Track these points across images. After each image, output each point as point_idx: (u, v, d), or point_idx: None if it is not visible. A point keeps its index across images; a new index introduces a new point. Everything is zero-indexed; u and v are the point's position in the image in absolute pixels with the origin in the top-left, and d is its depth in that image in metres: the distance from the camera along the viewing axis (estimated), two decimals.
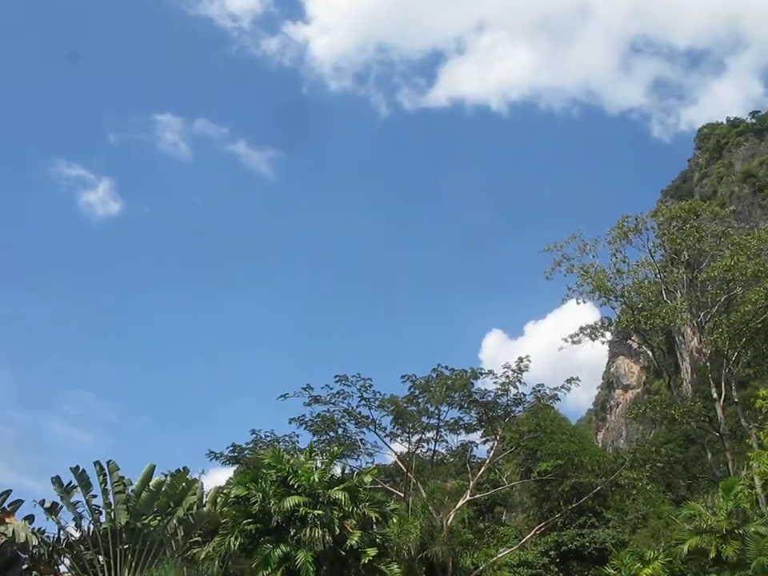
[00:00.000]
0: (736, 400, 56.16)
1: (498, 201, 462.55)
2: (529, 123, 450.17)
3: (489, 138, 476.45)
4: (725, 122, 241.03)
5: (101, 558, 39.92)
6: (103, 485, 40.92)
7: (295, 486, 30.65)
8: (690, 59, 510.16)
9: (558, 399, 50.12)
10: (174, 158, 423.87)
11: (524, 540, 60.16)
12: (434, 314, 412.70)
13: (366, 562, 29.67)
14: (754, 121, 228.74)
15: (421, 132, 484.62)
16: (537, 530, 58.46)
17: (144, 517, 40.14)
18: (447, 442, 51.81)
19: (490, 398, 47.56)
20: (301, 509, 29.41)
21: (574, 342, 59.23)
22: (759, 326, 55.45)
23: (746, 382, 75.35)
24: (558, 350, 61.49)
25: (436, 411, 47.38)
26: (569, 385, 48.92)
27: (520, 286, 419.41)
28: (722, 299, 56.59)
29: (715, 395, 55.39)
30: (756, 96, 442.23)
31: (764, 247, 57.01)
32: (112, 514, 40.49)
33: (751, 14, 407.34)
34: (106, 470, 40.89)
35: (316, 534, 28.88)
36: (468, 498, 48.86)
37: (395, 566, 31.25)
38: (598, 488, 54.33)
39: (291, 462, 32.66)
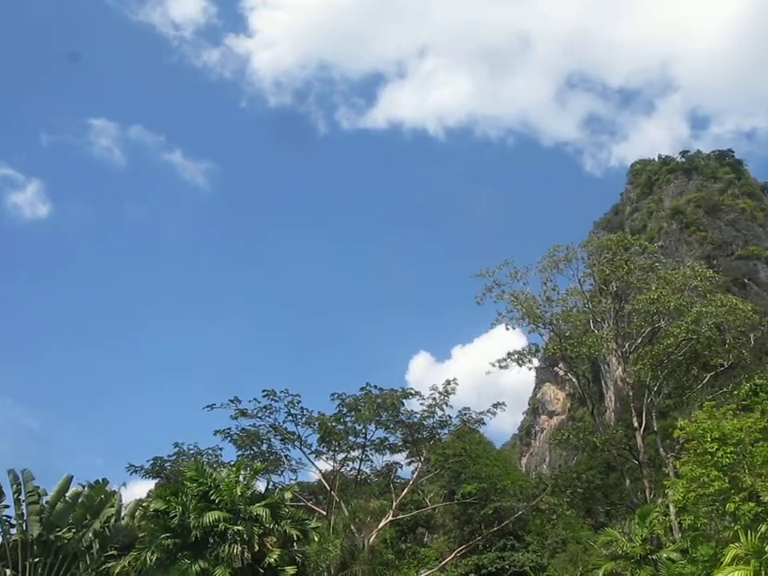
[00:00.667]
0: (656, 429, 57.44)
1: (431, 225, 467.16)
2: (465, 149, 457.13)
3: (425, 161, 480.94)
4: (656, 159, 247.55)
5: (8, 571, 38.33)
6: (16, 495, 39.27)
7: (216, 501, 30.25)
8: (622, 97, 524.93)
9: (484, 423, 50.67)
10: (108, 164, 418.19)
11: (444, 562, 60.41)
12: (363, 334, 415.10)
13: None
14: (683, 160, 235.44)
15: (358, 152, 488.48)
16: (458, 552, 58.77)
17: (58, 529, 38.67)
18: (372, 462, 51.82)
19: (416, 420, 47.76)
20: (221, 524, 29.08)
21: (501, 367, 59.87)
22: (680, 358, 57.02)
23: (667, 412, 77.04)
24: (486, 374, 62.07)
25: (363, 430, 47.42)
26: (495, 409, 49.49)
27: (449, 310, 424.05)
28: (647, 331, 58.02)
29: (636, 424, 56.61)
30: (683, 137, 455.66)
31: (688, 282, 58.70)
32: (24, 525, 39.12)
33: (682, 60, 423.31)
34: (21, 480, 39.23)
35: (235, 551, 28.58)
36: (390, 518, 48.90)
37: None
38: (520, 512, 55.03)
39: (213, 476, 32.21)
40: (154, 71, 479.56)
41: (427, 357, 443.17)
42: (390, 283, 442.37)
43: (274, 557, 29.37)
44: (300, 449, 47.89)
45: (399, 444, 50.30)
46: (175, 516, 29.78)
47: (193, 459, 44.45)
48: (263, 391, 45.57)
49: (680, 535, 43.74)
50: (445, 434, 50.59)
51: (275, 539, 30.52)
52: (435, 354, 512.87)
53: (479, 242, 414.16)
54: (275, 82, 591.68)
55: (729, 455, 34.43)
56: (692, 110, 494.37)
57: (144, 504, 42.50)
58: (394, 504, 49.26)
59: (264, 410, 45.86)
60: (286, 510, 32.84)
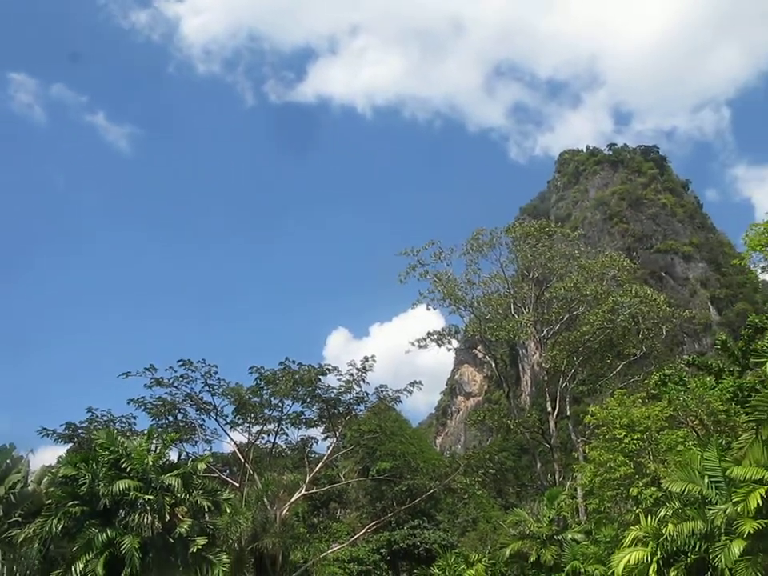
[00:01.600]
0: (568, 414, 58.76)
1: (356, 202, 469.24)
2: (392, 129, 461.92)
3: (352, 139, 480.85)
4: (585, 150, 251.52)
5: None
6: None
7: (127, 470, 29.75)
8: (549, 89, 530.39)
9: (400, 401, 50.94)
10: (27, 121, 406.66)
11: (356, 537, 60.85)
12: (284, 308, 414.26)
13: (195, 550, 29.18)
14: (610, 153, 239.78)
15: (285, 125, 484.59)
16: (369, 528, 59.24)
17: None
18: (288, 436, 51.62)
19: (333, 395, 47.80)
20: (131, 493, 28.62)
21: (420, 347, 60.42)
22: (596, 346, 58.31)
23: (580, 398, 78.72)
24: (405, 353, 62.59)
25: (279, 404, 47.27)
26: (412, 388, 49.78)
27: (369, 288, 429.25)
28: (565, 318, 59.17)
29: (550, 409, 57.84)
30: (607, 131, 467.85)
31: (606, 271, 59.96)
32: None
33: (609, 57, 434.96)
34: None
35: (145, 520, 28.16)
36: (304, 492, 48.96)
37: (224, 556, 30.93)
38: (432, 491, 55.63)
39: (125, 444, 31.66)
40: (78, 28, 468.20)
41: (345, 333, 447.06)
42: (311, 258, 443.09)
43: (185, 527, 29.07)
44: (215, 419, 47.49)
45: (315, 419, 50.23)
46: (84, 483, 29.16)
47: (106, 426, 43.66)
48: (179, 361, 44.94)
49: (585, 517, 45.00)
50: (361, 410, 50.87)
51: (186, 510, 30.20)
52: (353, 330, 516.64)
53: (404, 221, 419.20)
54: (204, 50, 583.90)
55: (636, 442, 35.52)
56: (616, 106, 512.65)
57: (53, 470, 41.56)
58: (308, 478, 49.31)
59: (180, 379, 45.27)
60: (199, 481, 32.54)
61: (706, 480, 22.13)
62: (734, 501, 20.38)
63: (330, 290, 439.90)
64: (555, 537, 38.35)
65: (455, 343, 65.85)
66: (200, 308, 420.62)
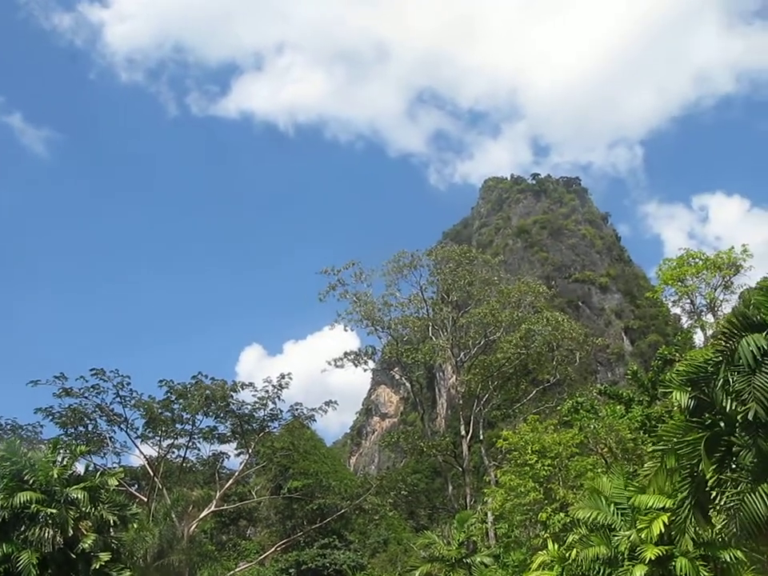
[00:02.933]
0: (482, 439, 59.28)
1: (273, 219, 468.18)
2: (314, 148, 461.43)
3: (273, 155, 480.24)
4: (509, 178, 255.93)
5: None
6: None
7: (30, 482, 28.81)
8: (470, 118, 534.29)
9: (315, 420, 50.73)
10: None
11: (264, 555, 60.16)
12: (197, 323, 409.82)
13: (98, 566, 28.24)
14: (534, 182, 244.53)
15: (206, 139, 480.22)
16: (278, 547, 58.64)
17: None
18: (199, 450, 50.80)
19: (247, 411, 47.28)
20: (33, 506, 27.60)
21: (337, 366, 60.35)
22: (511, 371, 59.09)
23: (495, 422, 79.67)
24: (321, 372, 62.48)
25: (191, 419, 46.51)
26: (327, 407, 49.62)
27: (285, 305, 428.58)
28: (482, 342, 59.80)
29: (463, 432, 58.27)
30: (525, 162, 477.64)
31: (523, 297, 60.93)
32: None
33: (529, 91, 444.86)
34: None
35: (46, 534, 27.15)
36: (213, 508, 48.23)
37: (128, 573, 30.12)
38: (343, 510, 55.37)
39: (29, 455, 30.69)
40: None
41: (259, 349, 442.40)
42: (227, 273, 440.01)
43: (88, 542, 28.19)
44: (126, 432, 46.41)
45: (228, 434, 49.57)
46: None
47: (9, 436, 42.28)
48: (91, 370, 43.85)
49: (495, 541, 45.37)
50: (275, 427, 50.37)
51: (91, 524, 29.35)
52: (267, 347, 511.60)
53: (323, 240, 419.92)
54: (128, 58, 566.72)
55: (546, 467, 36.05)
56: (535, 138, 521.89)
57: None
58: (218, 494, 48.61)
59: (91, 389, 44.16)
60: (106, 495, 31.70)
61: (612, 507, 22.57)
62: (638, 528, 20.84)
63: (246, 306, 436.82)
64: (464, 560, 38.47)
65: (372, 364, 66.01)
66: (114, 316, 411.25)
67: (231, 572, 51.33)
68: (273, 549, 58.87)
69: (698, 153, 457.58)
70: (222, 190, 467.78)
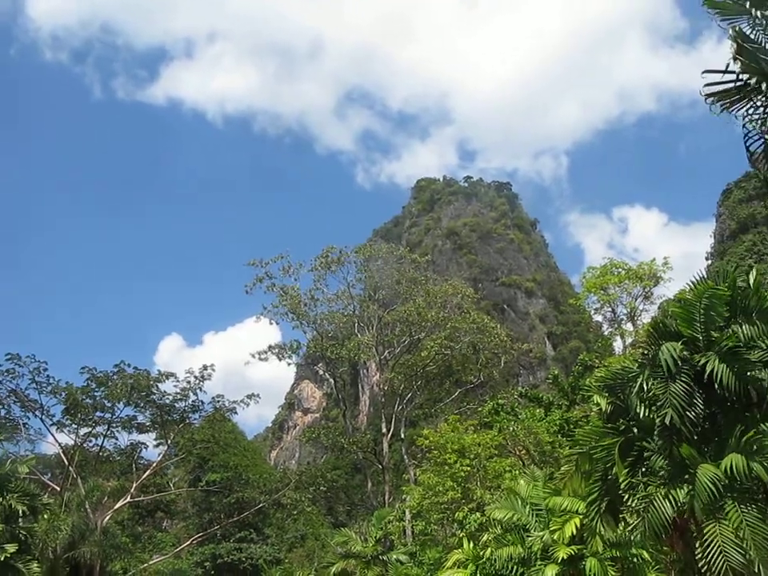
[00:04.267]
0: (403, 437, 59.56)
1: (199, 209, 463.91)
2: (242, 140, 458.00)
3: (201, 145, 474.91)
4: (441, 180, 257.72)
5: None
6: None
7: None
8: (399, 119, 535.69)
9: (236, 413, 50.39)
10: None
11: (180, 548, 59.45)
12: (115, 310, 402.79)
13: (3, 558, 27.68)
14: (466, 185, 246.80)
15: (131, 124, 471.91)
16: (195, 540, 58.04)
17: None
18: (117, 440, 49.89)
19: (168, 401, 46.66)
20: None
21: (261, 359, 59.97)
22: (435, 371, 59.55)
23: (416, 421, 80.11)
24: (245, 364, 62.00)
25: (111, 407, 45.67)
26: (249, 400, 49.33)
27: (207, 295, 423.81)
28: (407, 341, 60.08)
29: (385, 430, 58.46)
30: (452, 166, 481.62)
31: (449, 299, 61.46)
32: None
33: (459, 96, 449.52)
34: None
35: None
36: (129, 499, 47.48)
37: (35, 565, 29.48)
38: (261, 504, 55.11)
39: None
40: None
41: (178, 340, 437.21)
42: (145, 261, 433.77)
43: None
44: (41, 419, 45.28)
45: (148, 424, 48.80)
46: None
47: None
48: (6, 354, 42.68)
49: (412, 539, 45.65)
50: (196, 419, 49.79)
51: None
52: (187, 337, 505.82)
53: (248, 232, 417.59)
54: (53, 35, 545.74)
55: (465, 467, 36.45)
56: (462, 142, 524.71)
57: None
58: (135, 485, 47.86)
59: (6, 373, 43.01)
60: (15, 483, 30.93)
61: (528, 508, 22.97)
62: (551, 528, 21.28)
63: (166, 294, 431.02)
64: (380, 557, 38.62)
65: (296, 358, 65.80)
66: (27, 299, 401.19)
67: (145, 564, 50.59)
68: (189, 542, 58.21)
69: (620, 166, 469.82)
70: (146, 178, 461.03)
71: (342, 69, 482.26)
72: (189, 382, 46.10)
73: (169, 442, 50.00)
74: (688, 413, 15.25)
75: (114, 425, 47.25)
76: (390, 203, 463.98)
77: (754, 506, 14.39)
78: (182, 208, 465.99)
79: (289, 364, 63.55)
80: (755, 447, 14.33)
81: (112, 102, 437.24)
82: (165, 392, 46.17)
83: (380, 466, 58.92)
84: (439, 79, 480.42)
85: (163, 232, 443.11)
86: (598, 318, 67.34)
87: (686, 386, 15.38)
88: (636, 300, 59.91)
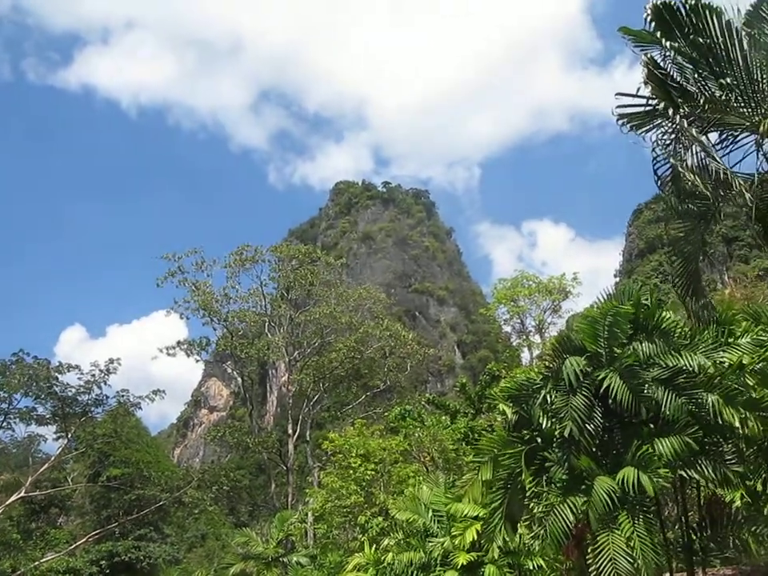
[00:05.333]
0: (308, 439, 59.56)
1: (107, 199, 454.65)
2: (155, 132, 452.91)
3: (113, 134, 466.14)
4: (360, 183, 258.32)
5: None
6: None
7: None
8: (315, 122, 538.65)
9: (141, 408, 49.56)
10: None
11: (75, 546, 58.00)
12: (14, 297, 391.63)
13: None
14: (384, 190, 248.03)
15: (41, 108, 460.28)
16: (91, 537, 56.69)
17: None
18: (14, 432, 48.40)
19: (70, 394, 45.51)
20: None
21: (169, 354, 59.13)
22: (343, 374, 59.73)
23: (323, 424, 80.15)
24: (152, 359, 60.89)
25: (8, 397, 44.31)
26: (154, 395, 48.56)
27: (113, 287, 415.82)
28: (317, 343, 60.12)
29: (291, 431, 58.34)
30: (366, 171, 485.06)
31: (362, 303, 61.79)
32: None
33: (375, 103, 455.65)
34: None
35: None
36: (22, 494, 46.13)
37: None
38: (162, 502, 54.27)
39: None
40: None
41: (81, 331, 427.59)
42: (52, 249, 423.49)
43: None
44: None
45: (47, 416, 47.47)
46: None
47: None
48: None
49: (313, 542, 45.68)
50: (99, 412, 48.69)
51: None
52: (90, 329, 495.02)
53: (158, 226, 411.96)
54: None
55: (369, 472, 36.68)
56: (377, 148, 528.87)
57: None
58: (30, 479, 46.53)
59: None
60: None
61: (430, 514, 23.28)
62: (452, 534, 21.64)
63: (70, 284, 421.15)
64: (281, 559, 38.57)
65: (205, 355, 65.05)
66: None
67: (36, 562, 49.28)
68: (85, 539, 56.82)
69: (531, 181, 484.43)
70: (54, 164, 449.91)
71: (260, 67, 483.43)
72: (93, 375, 45.07)
73: (69, 435, 48.76)
74: (587, 426, 15.76)
75: (12, 416, 45.85)
76: (302, 204, 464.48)
77: (645, 517, 14.95)
78: (92, 196, 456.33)
79: (197, 361, 62.80)
80: (647, 462, 14.88)
81: (22, 83, 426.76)
82: (67, 384, 45.05)
83: (284, 468, 58.73)
84: (358, 85, 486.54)
85: (70, 220, 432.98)
86: (508, 328, 68.74)
87: (586, 400, 15.89)
88: (545, 313, 61.37)
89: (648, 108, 15.28)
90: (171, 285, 57.91)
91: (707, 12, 14.54)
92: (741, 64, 14.32)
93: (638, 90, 14.95)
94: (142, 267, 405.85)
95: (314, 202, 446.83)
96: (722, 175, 14.14)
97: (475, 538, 20.51)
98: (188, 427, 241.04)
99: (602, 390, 15.97)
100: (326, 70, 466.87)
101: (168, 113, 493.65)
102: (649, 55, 15.18)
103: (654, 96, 15.02)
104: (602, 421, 16.13)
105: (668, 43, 14.89)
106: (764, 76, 14.50)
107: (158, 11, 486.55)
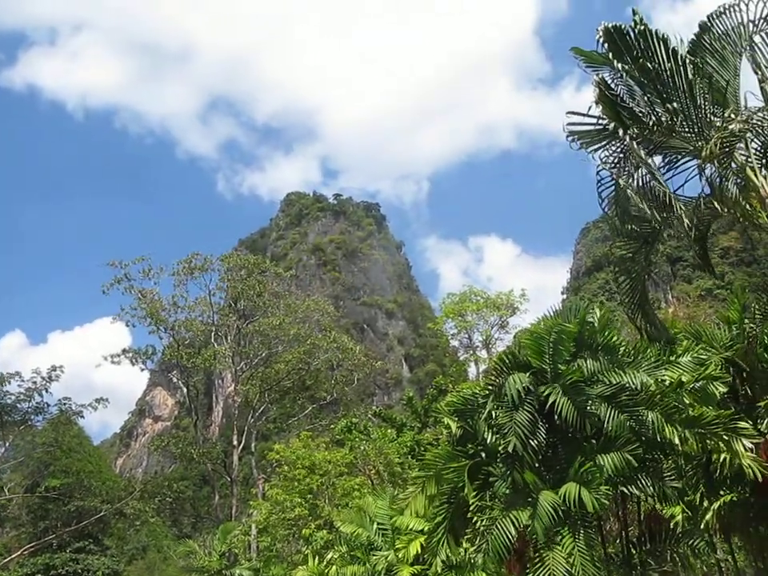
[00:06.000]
0: (254, 450, 59.15)
1: (49, 202, 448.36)
2: (102, 135, 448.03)
3: (58, 137, 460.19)
4: (311, 195, 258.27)
5: None
6: None
7: None
8: (264, 132, 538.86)
9: (83, 417, 48.82)
10: None
11: (8, 559, 56.66)
12: None
13: None
14: (335, 202, 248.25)
15: None
16: (26, 550, 55.51)
17: None
18: None
19: (10, 401, 44.65)
20: None
21: (114, 362, 58.21)
22: (290, 385, 59.48)
23: (269, 435, 79.81)
24: (96, 367, 59.94)
25: None
26: (97, 404, 47.88)
27: (56, 292, 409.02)
28: (264, 354, 59.76)
29: (236, 442, 57.82)
30: (315, 182, 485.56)
31: (310, 315, 61.68)
32: None
33: (325, 115, 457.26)
34: None
35: None
36: None
37: None
38: (102, 514, 53.45)
39: None
40: None
41: (21, 337, 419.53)
42: None
43: None
44: None
45: None
46: None
47: None
48: None
49: (257, 555, 45.31)
50: (39, 421, 47.85)
51: None
52: (30, 335, 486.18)
53: (102, 230, 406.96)
54: None
55: (314, 484, 36.60)
56: (325, 160, 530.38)
57: None
58: None
59: None
60: None
61: (375, 527, 23.29)
62: (396, 548, 21.66)
63: (10, 289, 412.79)
64: (224, 572, 38.20)
65: (150, 364, 64.18)
66: None
67: None
68: (20, 552, 55.61)
69: (479, 197, 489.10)
70: None
71: (211, 75, 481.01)
72: (35, 383, 44.30)
73: (7, 444, 47.85)
74: (531, 441, 15.96)
75: None
76: (251, 214, 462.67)
77: (586, 532, 15.16)
78: (36, 199, 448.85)
79: (142, 369, 61.92)
80: (589, 478, 15.09)
81: None
82: (6, 392, 44.19)
83: (229, 479, 58.19)
84: (309, 96, 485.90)
85: (12, 223, 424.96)
86: (455, 343, 69.06)
87: (530, 416, 16.09)
88: (492, 328, 61.78)
89: (598, 127, 15.56)
90: (117, 292, 57.09)
91: (655, 38, 14.89)
92: (686, 90, 14.68)
93: (589, 108, 15.23)
94: (86, 273, 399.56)
95: (262, 213, 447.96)
96: (666, 197, 14.48)
97: (419, 551, 20.57)
98: (132, 437, 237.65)
99: (547, 406, 16.19)
100: (278, 80, 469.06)
101: (115, 116, 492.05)
102: (600, 76, 15.50)
103: (604, 116, 15.31)
104: (546, 436, 16.34)
105: (619, 65, 15.21)
106: (707, 103, 14.89)
107: (108, 14, 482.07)
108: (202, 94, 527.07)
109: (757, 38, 15.58)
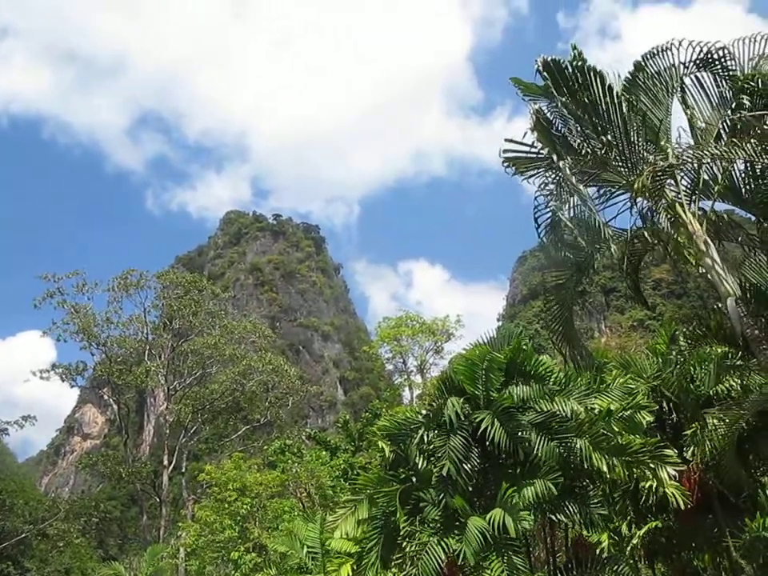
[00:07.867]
0: (184, 470, 58.30)
1: None
2: (28, 144, 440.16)
3: None
4: (251, 214, 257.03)
5: None
6: None
7: None
8: (195, 149, 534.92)
9: (8, 434, 47.79)
10: None
11: None
12: None
13: None
14: (275, 222, 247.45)
15: None
16: None
17: None
18: None
19: None
20: None
21: (42, 378, 57.06)
22: (223, 406, 58.90)
23: (200, 456, 78.62)
24: (24, 382, 58.61)
25: None
26: (23, 421, 46.91)
27: None
28: (198, 373, 59.15)
29: (166, 462, 56.94)
30: (245, 201, 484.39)
31: (247, 336, 61.29)
32: None
33: (257, 134, 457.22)
34: None
35: None
36: None
37: None
38: (24, 535, 52.09)
39: None
40: None
41: None
42: None
43: None
44: None
45: None
46: None
47: None
48: None
49: None
50: None
51: None
52: None
53: (27, 241, 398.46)
54: None
55: (245, 506, 36.24)
56: (255, 180, 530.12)
57: None
58: None
59: None
60: None
61: (305, 549, 23.17)
62: (326, 571, 21.57)
63: None
64: None
65: (81, 380, 62.96)
66: None
67: None
68: None
69: (409, 222, 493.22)
70: None
71: (142, 89, 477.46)
72: None
73: None
74: (465, 465, 16.10)
75: None
76: (181, 231, 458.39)
77: (514, 558, 15.29)
78: None
79: (72, 386, 60.75)
80: (511, 504, 15.26)
81: None
82: None
83: (158, 499, 57.19)
84: (240, 114, 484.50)
85: None
86: (390, 367, 69.28)
87: (464, 441, 16.25)
88: (427, 353, 62.18)
89: (533, 155, 15.83)
90: (50, 306, 56.00)
91: (591, 73, 15.26)
92: (620, 126, 15.06)
93: (524, 135, 15.48)
94: (8, 286, 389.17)
95: (192, 230, 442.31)
96: (599, 227, 14.80)
97: (350, 574, 20.51)
98: (59, 455, 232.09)
99: (479, 432, 16.34)
100: (210, 96, 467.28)
101: (43, 125, 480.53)
102: (537, 105, 15.82)
103: (539, 141, 15.60)
104: (478, 462, 16.50)
105: (557, 96, 15.56)
106: (641, 139, 15.30)
107: (37, 21, 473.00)
108: (133, 107, 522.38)
109: (687, 80, 16.11)
